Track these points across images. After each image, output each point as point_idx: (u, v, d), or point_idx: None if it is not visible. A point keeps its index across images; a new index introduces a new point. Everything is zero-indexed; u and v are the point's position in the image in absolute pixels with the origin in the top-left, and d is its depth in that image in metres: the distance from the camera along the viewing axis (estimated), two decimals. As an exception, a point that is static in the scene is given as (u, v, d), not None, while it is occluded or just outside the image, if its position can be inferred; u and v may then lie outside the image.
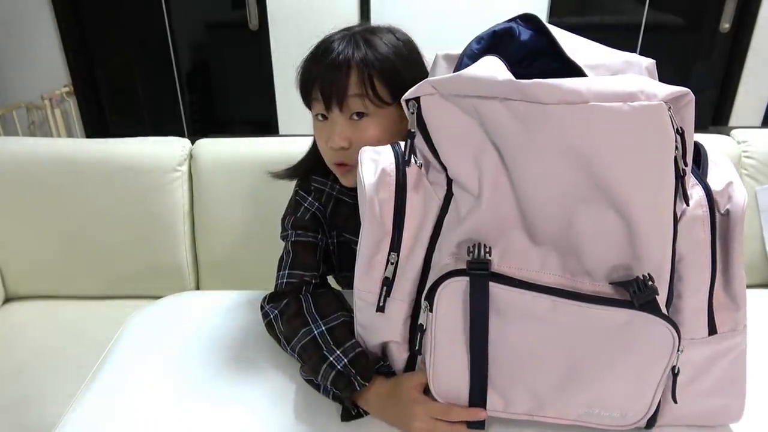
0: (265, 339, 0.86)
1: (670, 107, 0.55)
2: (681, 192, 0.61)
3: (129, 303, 1.43)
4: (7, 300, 1.54)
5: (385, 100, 0.83)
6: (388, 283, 0.69)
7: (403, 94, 0.79)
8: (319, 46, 0.85)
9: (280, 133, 2.64)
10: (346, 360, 0.74)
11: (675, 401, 0.66)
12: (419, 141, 0.67)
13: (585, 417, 0.67)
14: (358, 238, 0.70)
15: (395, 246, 0.68)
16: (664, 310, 0.62)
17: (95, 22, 2.58)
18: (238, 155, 1.44)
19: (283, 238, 0.95)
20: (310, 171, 0.97)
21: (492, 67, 0.60)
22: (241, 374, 0.80)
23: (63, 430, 0.72)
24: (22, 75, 2.56)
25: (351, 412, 0.75)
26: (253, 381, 0.79)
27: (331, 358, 0.75)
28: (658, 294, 0.59)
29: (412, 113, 0.64)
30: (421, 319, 0.66)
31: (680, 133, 0.57)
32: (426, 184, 0.68)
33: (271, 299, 0.87)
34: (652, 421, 0.69)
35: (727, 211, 0.64)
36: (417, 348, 0.67)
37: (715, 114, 2.63)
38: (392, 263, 0.68)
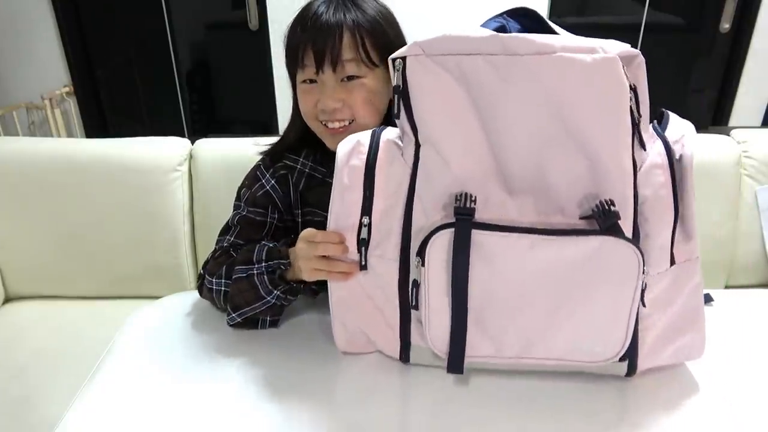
0: (265, 338, 0.86)
1: (624, 66, 0.63)
2: (638, 138, 0.67)
3: (129, 303, 1.42)
4: (7, 300, 1.54)
5: (375, 62, 0.86)
6: (365, 243, 0.73)
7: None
8: (305, 12, 0.87)
9: (280, 133, 2.64)
10: (269, 262, 0.84)
11: (644, 305, 0.70)
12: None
13: (570, 354, 0.71)
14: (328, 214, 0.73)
15: (367, 209, 0.72)
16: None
17: (95, 22, 2.58)
18: (238, 155, 1.43)
19: (235, 207, 0.98)
20: (289, 149, 0.99)
21: (478, 29, 0.68)
22: (240, 374, 0.80)
23: (63, 429, 0.73)
24: (22, 75, 2.56)
25: (297, 288, 0.85)
26: (252, 381, 0.79)
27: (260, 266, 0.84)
28: (620, 218, 0.65)
29: (397, 70, 0.68)
30: (414, 275, 0.70)
31: (633, 89, 0.64)
32: (398, 149, 0.72)
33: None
34: (632, 367, 0.74)
35: (681, 156, 0.70)
36: (414, 304, 0.71)
37: (715, 114, 2.63)
38: (365, 225, 0.73)
